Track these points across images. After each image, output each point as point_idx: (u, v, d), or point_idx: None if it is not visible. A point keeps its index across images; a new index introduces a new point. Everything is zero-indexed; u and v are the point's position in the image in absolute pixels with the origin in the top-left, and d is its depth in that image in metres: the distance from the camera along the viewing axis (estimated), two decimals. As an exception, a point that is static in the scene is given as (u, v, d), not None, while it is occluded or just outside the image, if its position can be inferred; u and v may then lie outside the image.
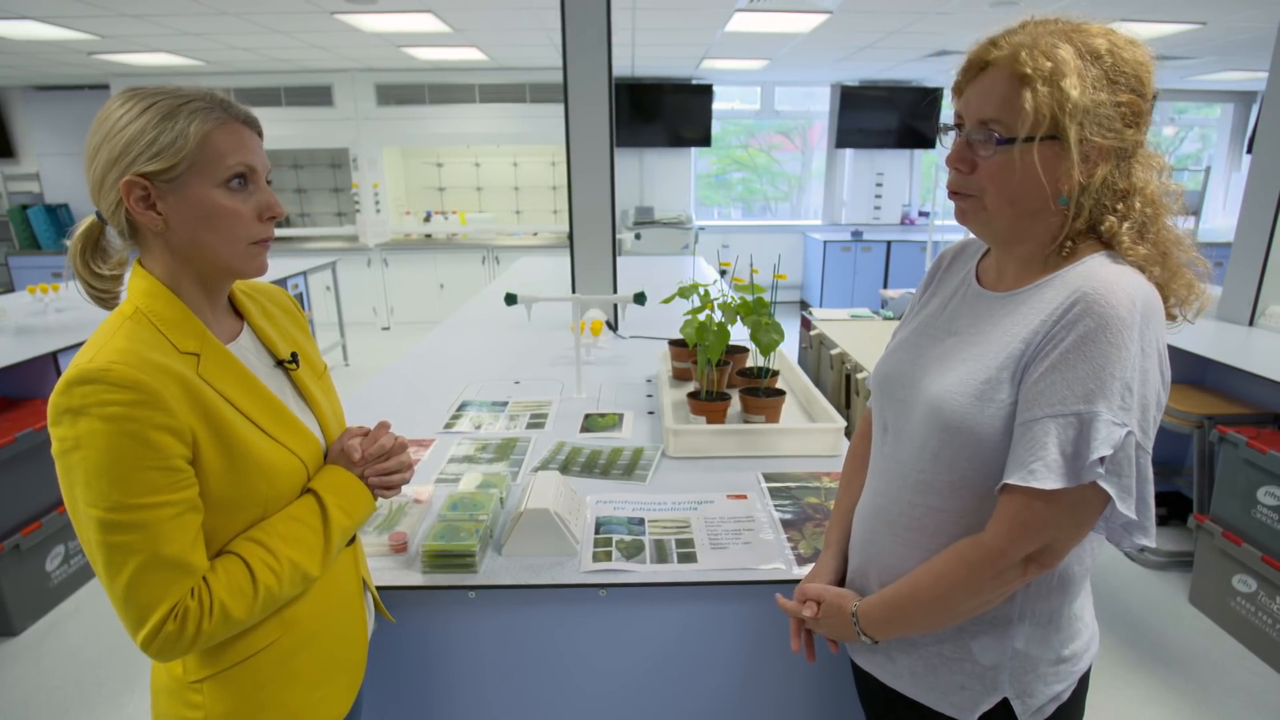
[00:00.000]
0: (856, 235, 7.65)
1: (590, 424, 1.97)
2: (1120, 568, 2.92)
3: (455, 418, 2.03)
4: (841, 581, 1.09)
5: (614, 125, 2.79)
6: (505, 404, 2.13)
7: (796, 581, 1.13)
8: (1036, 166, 0.82)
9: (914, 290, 1.10)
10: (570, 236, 2.93)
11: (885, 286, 7.43)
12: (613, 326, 3.02)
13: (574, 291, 2.98)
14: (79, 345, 2.32)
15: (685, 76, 7.26)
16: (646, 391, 2.25)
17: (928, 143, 7.65)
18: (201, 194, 0.84)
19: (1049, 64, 0.79)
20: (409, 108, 6.82)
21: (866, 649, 1.02)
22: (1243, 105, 8.06)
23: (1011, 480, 0.82)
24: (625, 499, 1.52)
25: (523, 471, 1.67)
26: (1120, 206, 0.85)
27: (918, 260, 7.35)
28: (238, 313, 0.99)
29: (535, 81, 6.73)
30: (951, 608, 0.89)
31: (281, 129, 6.77)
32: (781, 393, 1.89)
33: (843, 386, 3.34)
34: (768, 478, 1.62)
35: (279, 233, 6.94)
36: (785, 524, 1.42)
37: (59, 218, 7.16)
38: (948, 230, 6.50)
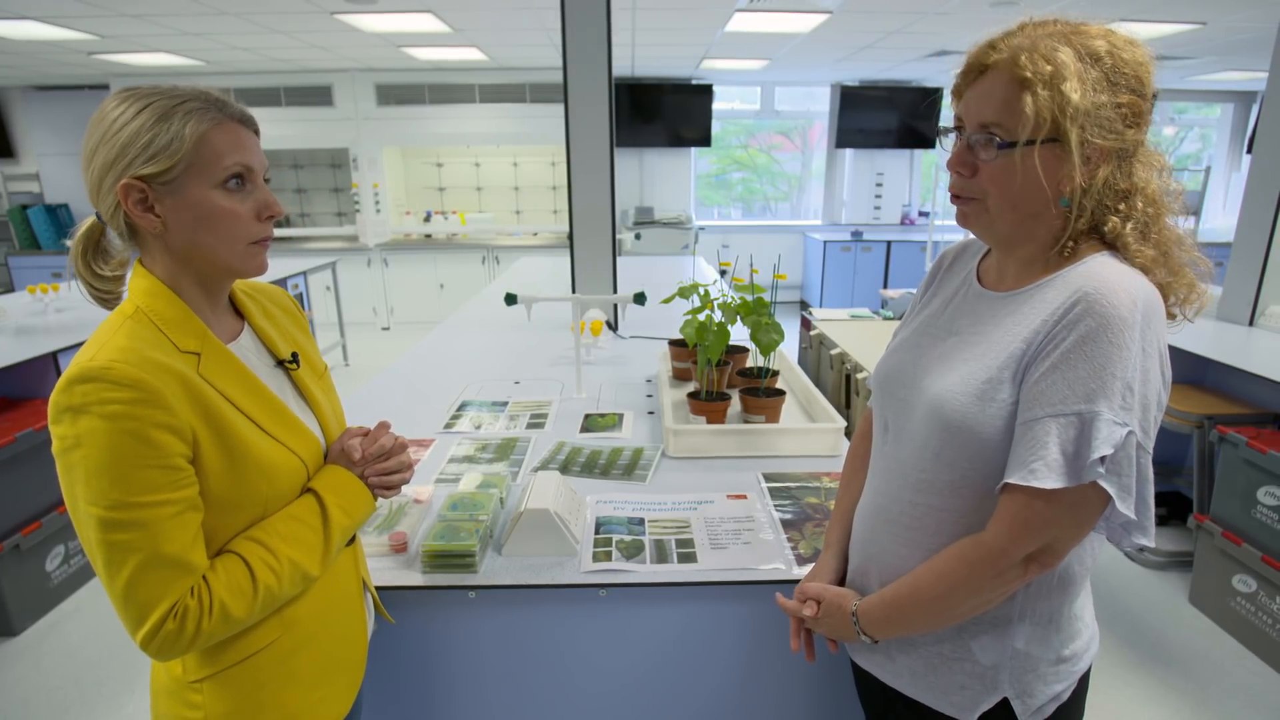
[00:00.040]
0: (856, 235, 7.65)
1: (590, 424, 1.97)
2: (1120, 568, 2.92)
3: (455, 418, 2.03)
4: (841, 581, 1.09)
5: (614, 125, 2.79)
6: (505, 404, 2.13)
7: (796, 581, 1.13)
8: (1038, 170, 0.82)
9: (914, 290, 1.10)
10: (570, 236, 2.93)
11: (885, 286, 7.43)
12: (613, 326, 3.02)
13: (574, 291, 2.98)
14: (79, 345, 2.32)
15: (685, 76, 7.26)
16: (646, 391, 2.25)
17: (928, 143, 7.65)
18: (199, 195, 0.83)
19: (1049, 67, 0.79)
20: (409, 108, 6.82)
21: (866, 648, 1.02)
22: (1243, 105, 8.06)
23: (1012, 480, 0.82)
24: (625, 499, 1.52)
25: (523, 471, 1.67)
26: (1122, 207, 0.85)
27: (918, 260, 7.35)
28: (239, 313, 0.99)
29: (535, 81, 6.73)
30: (952, 607, 0.89)
31: (281, 129, 6.77)
32: (781, 393, 1.89)
33: (843, 386, 3.34)
34: (768, 478, 1.62)
35: (279, 233, 6.98)
36: (785, 524, 1.42)
37: (59, 218, 7.16)
38: (948, 230, 6.51)
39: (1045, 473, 0.79)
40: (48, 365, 2.94)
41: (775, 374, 1.99)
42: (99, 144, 0.82)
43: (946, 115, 0.93)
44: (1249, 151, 5.64)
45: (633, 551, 1.31)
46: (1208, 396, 2.93)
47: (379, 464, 1.01)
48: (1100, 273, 0.82)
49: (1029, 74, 0.80)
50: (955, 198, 0.91)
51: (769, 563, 1.28)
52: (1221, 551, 2.53)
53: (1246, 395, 2.91)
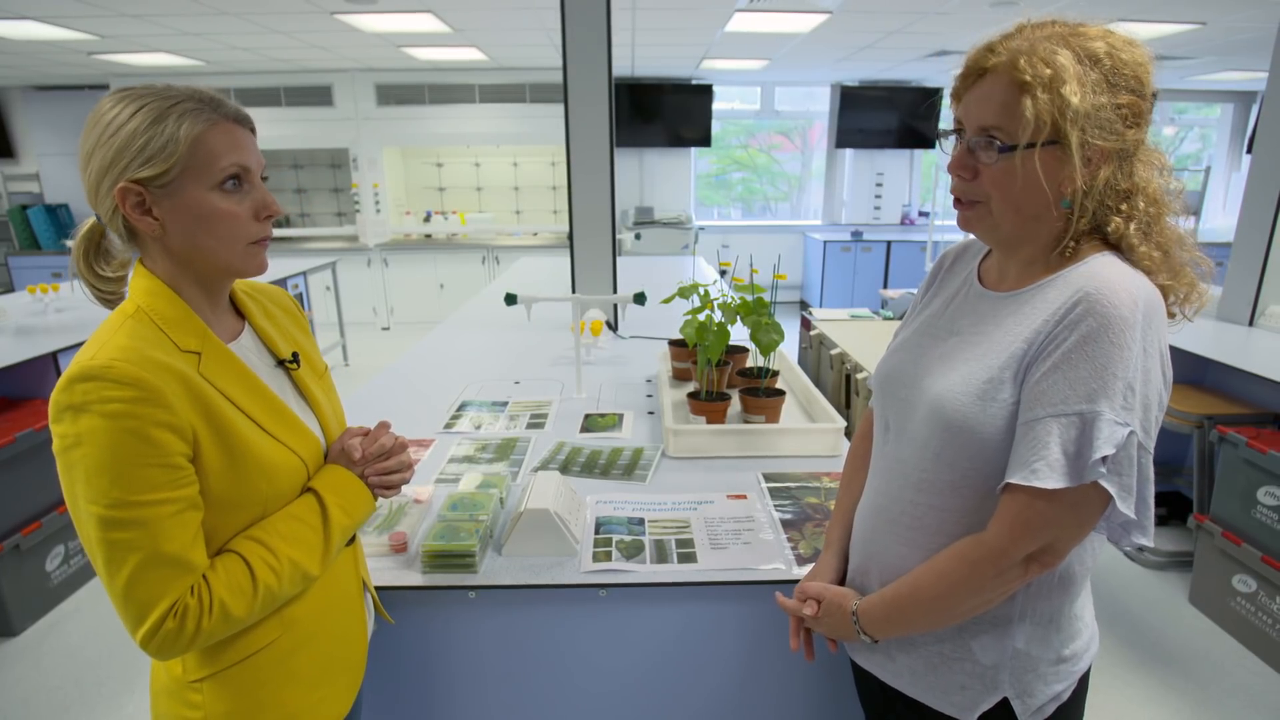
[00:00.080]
0: (856, 235, 7.65)
1: (590, 424, 1.97)
2: (1120, 568, 2.92)
3: (455, 418, 2.03)
4: (842, 581, 1.09)
5: (614, 125, 2.79)
6: (505, 404, 2.13)
7: (796, 581, 1.13)
8: (1038, 172, 0.82)
9: (914, 290, 1.10)
10: (570, 236, 2.93)
11: (885, 286, 7.43)
12: (613, 326, 3.02)
13: (574, 291, 2.97)
14: (79, 345, 2.31)
15: (685, 76, 7.26)
16: (646, 391, 2.25)
17: (928, 143, 7.65)
18: (197, 197, 0.83)
19: (1048, 71, 0.79)
20: (409, 108, 6.82)
21: (866, 648, 1.02)
22: (1243, 105, 8.06)
23: (1014, 479, 0.82)
24: (625, 499, 1.52)
25: (523, 471, 1.67)
26: (1124, 207, 0.86)
27: (918, 260, 7.35)
28: (239, 313, 0.99)
29: (535, 81, 6.73)
30: (952, 607, 0.89)
31: (281, 129, 6.77)
32: (781, 393, 1.89)
33: (843, 386, 3.35)
34: (768, 478, 1.62)
35: (279, 233, 6.98)
36: (785, 524, 1.42)
37: (59, 218, 7.16)
38: (948, 230, 6.50)
39: (1047, 473, 0.79)
40: (48, 365, 2.94)
41: (775, 374, 1.99)
42: (95, 147, 0.82)
43: (946, 116, 0.93)
44: (1249, 151, 5.64)
45: (633, 551, 1.31)
46: (1208, 396, 2.94)
47: (379, 463, 1.01)
48: (1101, 273, 0.82)
49: (1028, 77, 0.80)
50: (957, 201, 0.91)
51: (769, 563, 1.28)
52: (1221, 551, 2.53)
53: (1246, 395, 2.91)
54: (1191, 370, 3.07)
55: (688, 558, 1.30)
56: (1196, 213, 7.04)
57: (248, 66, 6.27)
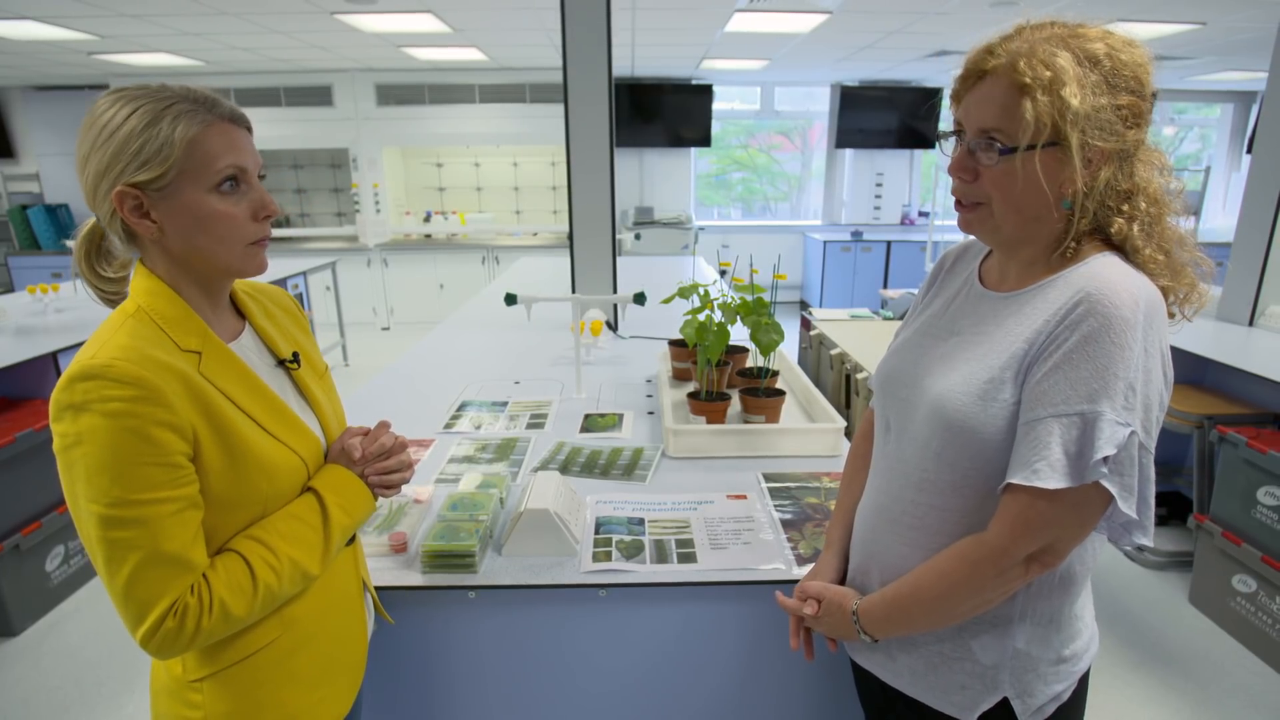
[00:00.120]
0: (856, 235, 7.65)
1: (590, 424, 1.97)
2: (1120, 568, 2.92)
3: (455, 418, 2.03)
4: (842, 580, 1.09)
5: (614, 125, 2.79)
6: (505, 404, 2.13)
7: (796, 582, 1.13)
8: (1039, 174, 0.82)
9: (914, 290, 1.10)
10: (570, 236, 2.93)
11: (885, 287, 7.43)
12: (613, 326, 3.02)
13: (574, 291, 2.98)
14: (79, 345, 2.31)
15: (685, 76, 7.26)
16: (646, 391, 2.25)
17: (928, 143, 7.65)
18: (194, 200, 0.83)
19: (1048, 73, 0.79)
20: (409, 108, 6.82)
21: (866, 648, 1.02)
22: (1243, 105, 8.06)
23: (1015, 480, 0.82)
24: (625, 499, 1.52)
25: (523, 471, 1.67)
26: (1125, 207, 0.86)
27: (918, 260, 7.35)
28: (240, 313, 0.99)
29: (535, 81, 6.73)
30: (953, 606, 0.89)
31: (281, 129, 6.77)
32: (781, 393, 1.89)
33: (843, 386, 3.35)
34: (767, 478, 1.62)
35: (278, 233, 6.97)
36: (785, 524, 1.42)
37: (59, 218, 7.16)
38: (948, 230, 6.51)
39: (1048, 473, 0.79)
40: (48, 365, 2.94)
41: (775, 374, 1.99)
42: (90, 151, 0.81)
43: (946, 116, 0.93)
44: (1249, 151, 5.64)
45: (633, 551, 1.31)
46: (1208, 396, 2.94)
47: (379, 463, 1.01)
48: (1102, 273, 0.83)
49: (1028, 79, 0.80)
50: (958, 203, 0.91)
51: (769, 563, 1.28)
52: (1221, 551, 2.53)
53: (1246, 395, 2.91)
54: (1191, 370, 3.07)
55: (688, 558, 1.30)
56: (1196, 213, 7.04)
57: (247, 66, 6.27)
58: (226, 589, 0.82)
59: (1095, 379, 0.79)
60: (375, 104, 6.79)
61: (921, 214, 8.11)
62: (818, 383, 3.58)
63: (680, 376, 2.28)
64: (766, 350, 1.87)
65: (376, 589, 1.18)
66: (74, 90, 7.04)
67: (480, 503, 1.36)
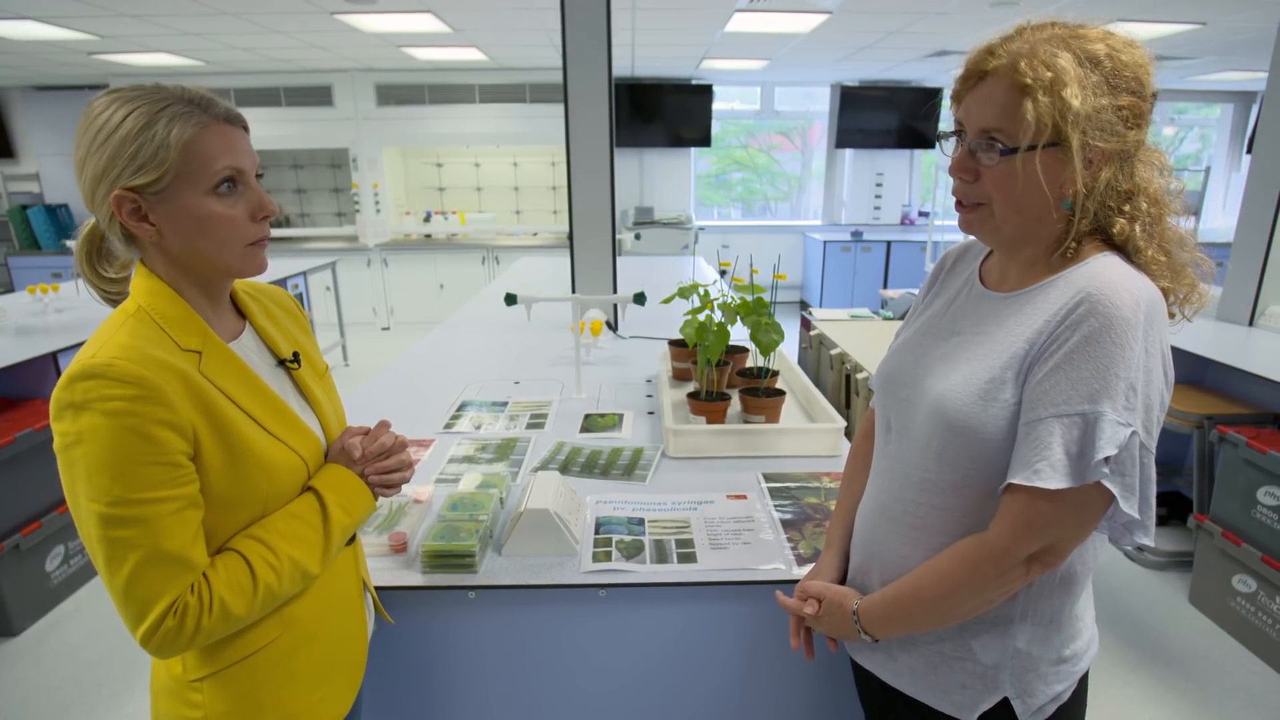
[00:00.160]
0: (856, 235, 7.65)
1: (590, 424, 1.97)
2: (1120, 568, 2.92)
3: (455, 418, 2.03)
4: (843, 580, 1.09)
5: (614, 125, 2.79)
6: (505, 404, 2.13)
7: (796, 582, 1.13)
8: (1039, 174, 0.82)
9: (914, 290, 1.10)
10: (570, 236, 2.93)
11: (885, 287, 7.43)
12: (613, 326, 3.02)
13: (574, 291, 2.98)
14: (79, 345, 2.31)
15: (685, 76, 7.26)
16: (646, 391, 2.25)
17: (928, 143, 7.65)
18: (191, 202, 0.83)
19: (1049, 73, 0.79)
20: (409, 108, 6.82)
21: (867, 647, 1.02)
22: (1243, 105, 8.06)
23: (1016, 480, 0.82)
24: (625, 499, 1.52)
25: (523, 471, 1.67)
26: (1126, 208, 0.86)
27: (918, 260, 7.35)
28: (241, 312, 0.99)
29: (535, 81, 6.73)
30: (954, 606, 0.89)
31: (281, 129, 6.77)
32: (781, 393, 1.89)
33: (843, 386, 3.35)
34: (767, 478, 1.62)
35: (278, 233, 6.97)
36: (785, 524, 1.42)
37: (59, 218, 7.16)
38: (947, 231, 6.51)
39: (1049, 473, 0.79)
40: (48, 365, 2.94)
41: (775, 374, 1.99)
42: (87, 154, 0.81)
43: (946, 116, 0.93)
44: (1249, 151, 5.64)
45: (633, 551, 1.31)
46: (1208, 396, 2.94)
47: (379, 462, 1.01)
48: (1103, 273, 0.83)
49: (1029, 80, 0.80)
50: (959, 203, 0.91)
51: (769, 563, 1.28)
52: (1221, 551, 2.53)
53: (1246, 395, 2.91)
54: (1191, 370, 3.07)
55: (688, 558, 1.30)
56: (1196, 213, 7.04)
57: (247, 66, 6.27)
58: (227, 588, 0.82)
59: (1096, 379, 0.79)
60: (375, 104, 6.79)
61: (921, 214, 8.11)
62: (818, 383, 3.58)
63: (680, 376, 2.28)
64: (766, 350, 1.87)
65: (376, 589, 1.18)
66: (74, 90, 7.04)
67: (480, 503, 1.36)
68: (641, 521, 1.42)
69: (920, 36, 5.14)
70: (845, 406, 3.28)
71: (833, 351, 3.48)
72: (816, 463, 1.70)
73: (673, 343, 2.30)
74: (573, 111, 2.75)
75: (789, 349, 2.54)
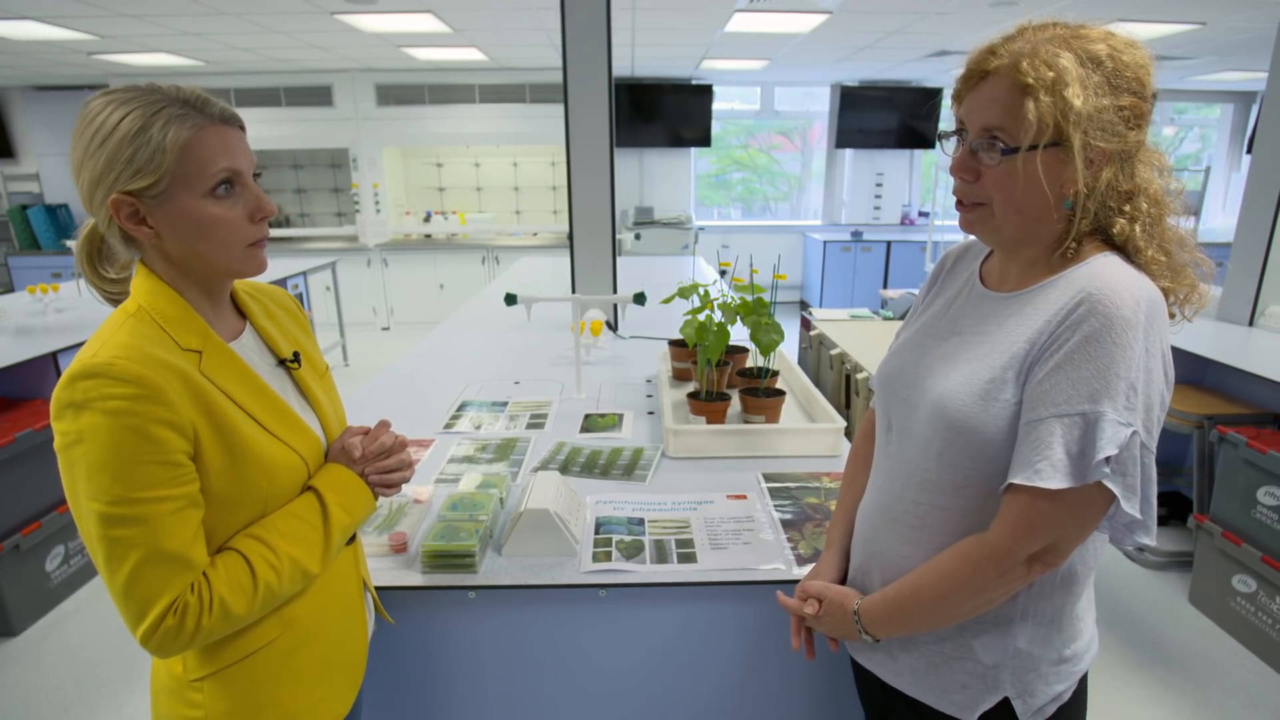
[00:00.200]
0: (856, 235, 7.65)
1: (590, 424, 1.97)
2: (1120, 568, 2.92)
3: (455, 418, 2.03)
4: (843, 580, 1.09)
5: (614, 125, 2.79)
6: (505, 404, 2.13)
7: (796, 582, 1.13)
8: (1040, 174, 0.82)
9: (914, 290, 1.11)
10: (570, 237, 2.93)
11: (885, 287, 7.43)
12: (613, 326, 3.02)
13: (574, 291, 2.98)
14: (79, 345, 2.31)
15: (685, 77, 7.26)
16: (646, 392, 2.25)
17: (928, 143, 7.65)
18: (189, 205, 0.83)
19: (1051, 73, 0.79)
20: (409, 108, 6.82)
21: (867, 647, 1.02)
22: (1243, 105, 8.06)
23: (1017, 480, 0.82)
24: (625, 499, 1.52)
25: (523, 472, 1.67)
26: (1127, 208, 0.86)
27: (918, 260, 7.35)
28: (241, 312, 0.99)
29: (535, 81, 6.73)
30: (955, 606, 0.89)
31: (281, 129, 6.77)
32: (781, 393, 1.89)
33: (843, 387, 3.35)
34: (767, 478, 1.62)
35: (279, 233, 6.97)
36: (785, 524, 1.42)
37: (59, 218, 7.16)
38: (948, 231, 6.51)
39: (1050, 473, 0.79)
40: (47, 365, 2.94)
41: (775, 374, 1.99)
42: (83, 158, 0.81)
43: (946, 116, 0.93)
44: (1249, 151, 5.64)
45: (633, 551, 1.31)
46: (1208, 396, 2.94)
47: (379, 462, 1.01)
48: (1104, 273, 0.83)
49: (1031, 80, 0.80)
50: (959, 203, 0.91)
51: (769, 563, 1.28)
52: (1221, 551, 2.53)
53: (1246, 395, 2.91)
54: (1191, 370, 3.07)
55: (688, 558, 1.30)
56: (1196, 213, 7.04)
57: (247, 66, 6.27)
58: (227, 587, 0.82)
59: (1097, 379, 0.79)
60: (375, 104, 6.79)
61: (921, 214, 8.11)
62: (818, 383, 3.58)
63: (680, 376, 2.28)
64: (766, 350, 1.87)
65: (376, 589, 1.18)
66: (74, 90, 7.05)
67: (480, 503, 1.36)
68: (641, 521, 1.42)
69: (920, 36, 5.14)
70: (845, 406, 3.28)
71: (833, 351, 3.48)
72: (816, 463, 1.70)
73: (673, 343, 2.30)
74: (573, 111, 2.75)
75: (789, 349, 2.54)
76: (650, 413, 2.06)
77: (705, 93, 7.26)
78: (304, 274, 5.42)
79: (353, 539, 1.06)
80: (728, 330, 1.85)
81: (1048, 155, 0.82)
